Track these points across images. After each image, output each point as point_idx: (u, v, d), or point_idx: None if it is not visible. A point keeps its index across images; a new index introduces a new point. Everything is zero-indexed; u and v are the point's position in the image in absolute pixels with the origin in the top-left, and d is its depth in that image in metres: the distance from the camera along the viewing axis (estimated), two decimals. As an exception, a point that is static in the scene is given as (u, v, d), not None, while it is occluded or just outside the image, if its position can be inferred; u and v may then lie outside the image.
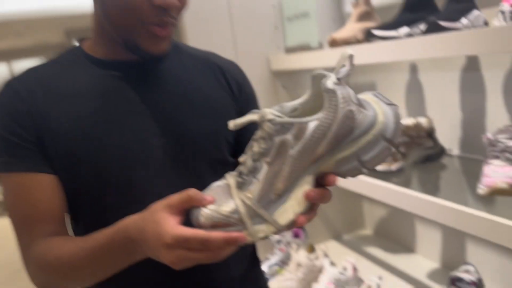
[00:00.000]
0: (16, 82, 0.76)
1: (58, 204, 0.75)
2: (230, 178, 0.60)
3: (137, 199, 0.74)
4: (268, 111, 0.56)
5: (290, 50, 1.59)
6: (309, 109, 0.59)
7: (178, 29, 1.56)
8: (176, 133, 0.78)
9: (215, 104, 0.83)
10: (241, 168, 0.59)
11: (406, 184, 1.20)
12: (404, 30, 1.10)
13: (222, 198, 0.58)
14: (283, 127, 0.55)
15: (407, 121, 1.30)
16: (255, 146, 0.58)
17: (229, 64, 0.91)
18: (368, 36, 1.13)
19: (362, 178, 1.26)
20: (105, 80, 0.78)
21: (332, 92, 0.54)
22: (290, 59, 1.54)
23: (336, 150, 0.57)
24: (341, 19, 1.67)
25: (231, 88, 0.87)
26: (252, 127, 0.70)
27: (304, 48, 1.51)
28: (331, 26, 1.65)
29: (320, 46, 1.48)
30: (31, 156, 0.73)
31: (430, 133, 1.30)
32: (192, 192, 0.58)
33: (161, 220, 0.58)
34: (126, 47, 0.76)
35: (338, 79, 0.55)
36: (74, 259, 0.68)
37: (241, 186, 0.58)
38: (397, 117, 0.58)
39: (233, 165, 0.87)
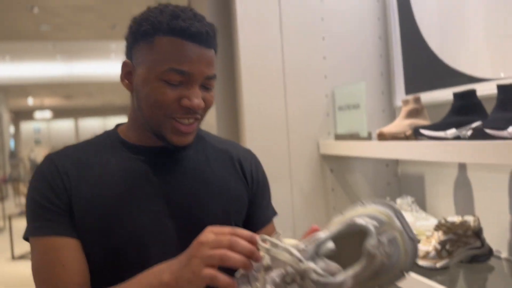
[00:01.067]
0: (56, 157, 0.86)
1: (84, 267, 0.80)
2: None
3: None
4: (312, 267, 0.58)
5: (339, 137, 1.66)
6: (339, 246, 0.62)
7: (238, 115, 1.69)
8: (192, 216, 0.86)
9: (230, 192, 0.91)
10: None
11: (451, 283, 1.17)
12: (452, 131, 1.14)
13: None
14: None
15: (454, 218, 1.29)
16: None
17: (245, 154, 1.00)
18: (416, 135, 1.17)
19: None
20: (133, 163, 0.87)
21: (373, 256, 0.58)
22: (339, 145, 1.61)
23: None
24: (391, 111, 1.73)
25: (245, 177, 0.96)
26: (261, 215, 0.89)
27: (353, 137, 1.58)
28: (381, 116, 1.72)
29: (369, 137, 1.54)
30: (63, 222, 0.80)
31: (477, 233, 1.28)
32: None
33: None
34: (155, 136, 0.85)
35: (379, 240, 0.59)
36: None
37: None
38: (416, 254, 0.62)
39: None
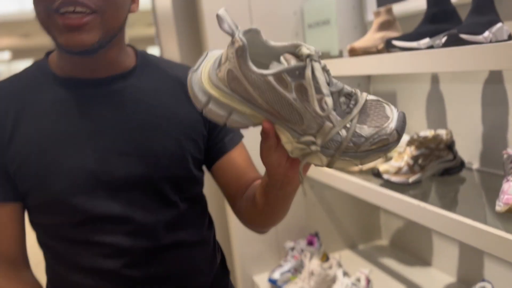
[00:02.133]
0: None
1: (16, 238, 0.75)
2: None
3: (99, 217, 0.74)
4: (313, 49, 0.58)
5: (310, 57, 1.59)
6: None
7: (198, 25, 1.58)
8: (138, 152, 0.77)
9: (181, 122, 0.82)
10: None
11: (424, 197, 1.18)
12: (425, 41, 1.08)
13: None
14: None
15: (426, 132, 1.28)
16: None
17: (183, 68, 0.89)
18: (388, 47, 1.11)
19: (378, 189, 1.25)
20: (67, 99, 0.76)
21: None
22: (310, 66, 1.54)
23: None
24: (362, 28, 1.65)
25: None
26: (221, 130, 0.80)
27: (324, 56, 1.51)
28: (353, 34, 1.64)
29: (340, 55, 1.47)
30: None
31: (449, 146, 1.27)
32: None
33: None
34: (56, 47, 0.73)
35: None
36: None
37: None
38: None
39: (200, 180, 0.89)
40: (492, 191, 1.14)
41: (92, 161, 0.75)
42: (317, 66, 0.55)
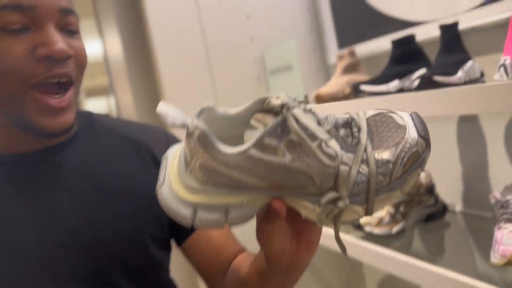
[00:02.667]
0: None
1: None
2: None
3: None
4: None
5: (274, 104, 1.51)
6: None
7: (152, 72, 1.49)
8: (84, 242, 0.63)
9: (137, 195, 0.68)
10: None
11: (408, 247, 1.09)
12: (395, 84, 1.02)
13: None
14: None
15: (404, 178, 1.20)
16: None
17: (156, 135, 0.77)
18: (356, 92, 1.04)
19: (359, 243, 1.15)
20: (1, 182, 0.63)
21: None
22: (275, 113, 1.46)
23: None
24: (325, 70, 1.60)
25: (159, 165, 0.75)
26: None
27: (289, 102, 1.43)
28: (316, 77, 1.58)
29: (306, 100, 1.40)
30: None
31: (430, 189, 1.20)
32: None
33: None
34: (18, 128, 0.61)
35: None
36: None
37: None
38: None
39: (166, 263, 0.74)
40: (480, 235, 1.07)
41: (27, 257, 0.61)
42: (298, 112, 0.44)
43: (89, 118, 0.73)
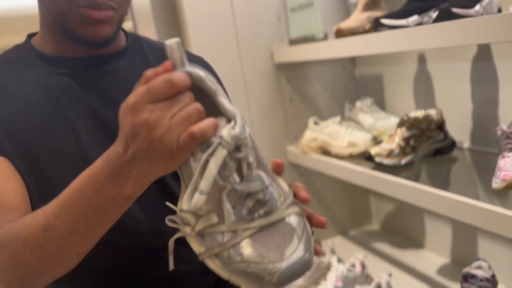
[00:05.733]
0: None
1: (19, 188, 0.65)
2: None
3: None
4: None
5: (294, 42, 1.55)
6: None
7: (179, 23, 1.52)
8: None
9: None
10: None
11: (416, 178, 1.16)
12: (414, 18, 1.06)
13: None
14: None
15: (417, 113, 1.26)
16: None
17: (196, 61, 0.84)
18: (376, 26, 1.08)
19: (369, 172, 1.23)
20: (55, 79, 0.72)
21: None
22: (294, 51, 1.50)
23: None
24: (345, 9, 1.62)
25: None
26: None
27: (309, 39, 1.47)
28: (336, 16, 1.61)
29: (325, 37, 1.44)
30: None
31: (440, 125, 1.26)
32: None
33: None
34: (67, 36, 0.70)
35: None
36: (49, 219, 0.52)
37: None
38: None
39: None
40: (485, 169, 1.13)
41: (84, 149, 0.69)
42: (219, 153, 0.46)
43: (135, 37, 0.82)
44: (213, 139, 0.47)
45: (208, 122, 0.46)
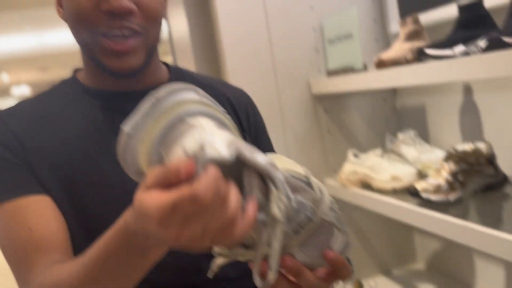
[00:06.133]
0: (7, 115, 0.72)
1: (58, 228, 0.65)
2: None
3: None
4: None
5: (332, 73, 1.53)
6: None
7: (216, 50, 1.53)
8: None
9: None
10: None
11: (465, 215, 1.09)
12: (460, 48, 1.01)
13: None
14: None
15: (465, 146, 1.19)
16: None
17: (237, 93, 0.85)
18: (420, 56, 1.04)
19: (415, 208, 1.16)
20: (98, 112, 0.72)
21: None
22: (332, 82, 1.47)
23: None
24: (385, 40, 1.59)
25: (239, 119, 0.81)
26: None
27: (347, 70, 1.44)
28: (375, 47, 1.58)
29: (365, 68, 1.41)
30: (26, 180, 0.66)
31: (490, 160, 1.18)
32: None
33: (137, 198, 0.43)
34: (98, 68, 0.70)
35: None
36: (76, 278, 0.54)
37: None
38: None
39: None
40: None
41: (122, 180, 0.68)
42: (278, 232, 0.46)
43: (178, 70, 0.82)
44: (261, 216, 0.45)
45: (244, 226, 0.41)
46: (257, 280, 0.48)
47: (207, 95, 0.49)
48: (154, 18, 0.68)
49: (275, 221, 0.45)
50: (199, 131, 0.42)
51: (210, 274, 0.56)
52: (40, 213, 0.65)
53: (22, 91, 14.82)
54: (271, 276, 0.47)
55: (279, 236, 0.45)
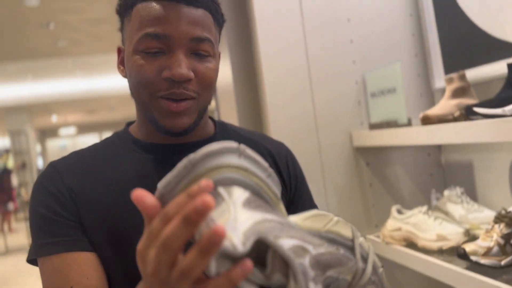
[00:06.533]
0: (59, 165, 0.75)
1: (100, 284, 0.68)
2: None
3: None
4: None
5: (374, 126, 1.52)
6: None
7: (258, 102, 1.56)
8: None
9: None
10: None
11: (519, 282, 1.02)
12: (511, 107, 0.99)
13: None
14: None
15: (516, 208, 1.13)
16: None
17: (277, 145, 0.87)
18: (469, 114, 1.02)
19: (463, 271, 1.10)
20: (148, 164, 0.75)
21: None
22: (375, 135, 1.46)
23: None
24: (429, 95, 1.58)
25: (280, 173, 0.82)
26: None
27: (391, 124, 1.43)
28: (419, 102, 1.56)
29: (409, 123, 1.39)
30: (72, 235, 0.69)
31: (545, 223, 1.12)
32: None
33: None
34: (151, 124, 0.74)
35: None
36: None
37: None
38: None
39: None
40: None
41: None
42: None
43: (222, 124, 0.86)
44: None
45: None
46: None
47: (249, 149, 0.49)
48: (208, 84, 0.73)
49: None
50: (224, 208, 0.42)
51: None
52: (82, 271, 0.67)
53: (68, 131, 15.49)
54: None
55: None
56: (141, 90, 0.71)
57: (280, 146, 0.88)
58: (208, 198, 0.39)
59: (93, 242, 0.70)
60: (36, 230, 0.70)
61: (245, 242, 0.40)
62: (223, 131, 0.83)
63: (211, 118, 0.86)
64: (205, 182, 0.40)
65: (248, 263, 0.40)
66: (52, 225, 0.69)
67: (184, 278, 0.41)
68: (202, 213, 0.38)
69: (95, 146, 0.80)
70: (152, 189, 0.72)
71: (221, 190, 0.41)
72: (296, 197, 0.84)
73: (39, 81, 8.77)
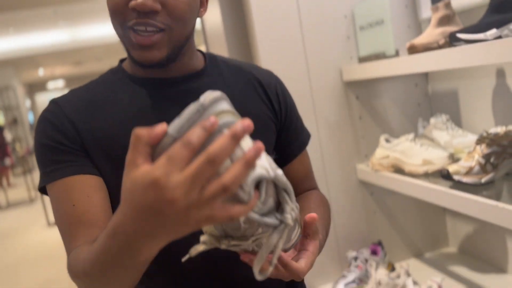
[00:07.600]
0: (60, 99, 0.80)
1: (101, 205, 0.72)
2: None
3: None
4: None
5: (363, 59, 1.55)
6: None
7: (248, 39, 1.58)
8: None
9: (255, 121, 0.80)
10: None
11: (498, 197, 1.10)
12: (492, 32, 1.02)
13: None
14: None
15: (497, 129, 1.20)
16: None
17: (267, 76, 0.90)
18: (452, 40, 1.06)
19: (447, 190, 1.18)
20: (144, 98, 0.79)
21: None
22: (364, 68, 1.50)
23: None
24: (417, 26, 1.60)
25: (270, 101, 0.87)
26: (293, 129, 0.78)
27: (379, 56, 1.46)
28: (407, 33, 1.59)
29: (397, 54, 1.43)
30: (76, 161, 0.74)
31: (523, 142, 1.19)
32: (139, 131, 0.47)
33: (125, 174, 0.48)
34: (129, 58, 0.76)
35: None
36: (88, 262, 0.59)
37: None
38: None
39: None
40: None
41: None
42: (285, 234, 0.56)
43: (212, 57, 0.88)
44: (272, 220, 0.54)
45: (238, 210, 0.46)
46: (257, 273, 0.55)
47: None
48: (178, 17, 0.73)
49: (286, 226, 0.54)
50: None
51: (185, 258, 0.60)
52: (84, 191, 0.72)
53: (57, 85, 15.26)
54: (271, 269, 0.56)
55: (285, 238, 0.55)
56: (113, 20, 0.73)
57: (270, 75, 0.91)
58: (248, 120, 0.45)
59: (97, 168, 0.75)
60: (43, 160, 0.75)
61: (268, 171, 0.50)
62: (214, 64, 0.86)
63: (200, 51, 0.88)
64: (213, 118, 0.45)
65: (260, 144, 0.46)
66: (56, 154, 0.74)
67: (223, 192, 0.43)
68: (247, 129, 0.44)
69: (93, 83, 0.84)
70: (150, 122, 0.76)
71: (227, 132, 0.46)
72: (287, 122, 0.89)
73: (22, 34, 8.54)
